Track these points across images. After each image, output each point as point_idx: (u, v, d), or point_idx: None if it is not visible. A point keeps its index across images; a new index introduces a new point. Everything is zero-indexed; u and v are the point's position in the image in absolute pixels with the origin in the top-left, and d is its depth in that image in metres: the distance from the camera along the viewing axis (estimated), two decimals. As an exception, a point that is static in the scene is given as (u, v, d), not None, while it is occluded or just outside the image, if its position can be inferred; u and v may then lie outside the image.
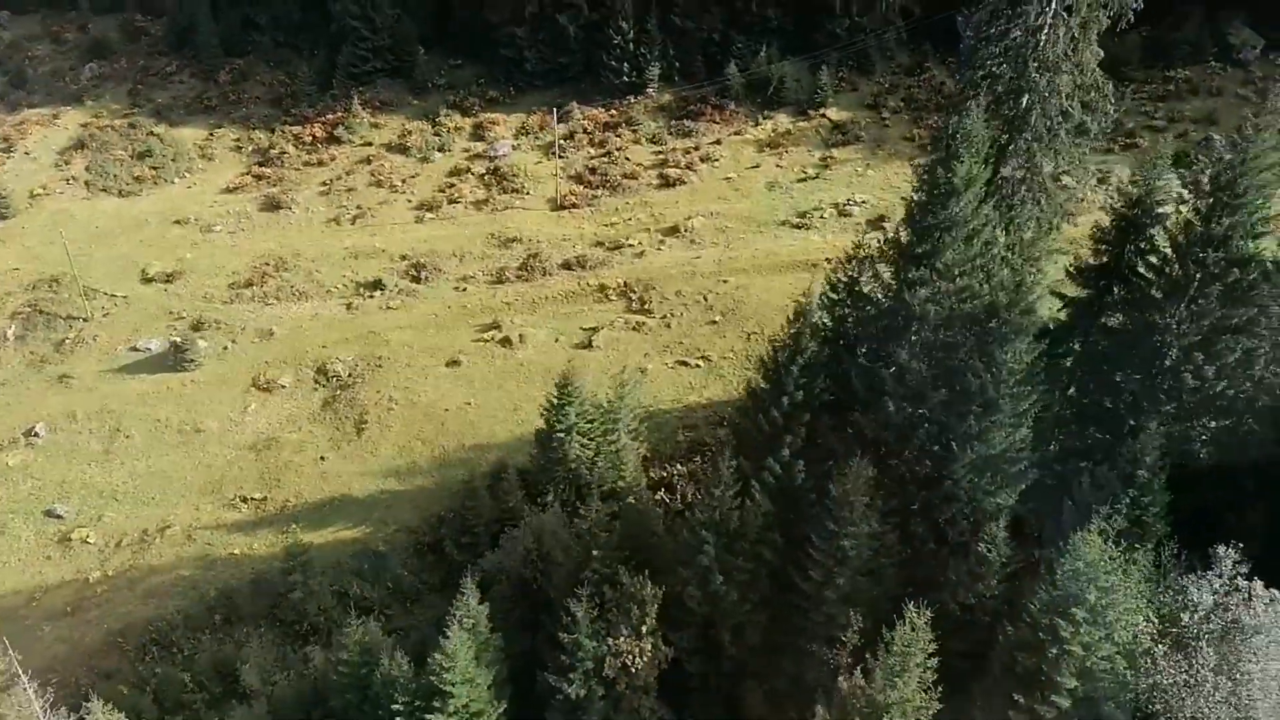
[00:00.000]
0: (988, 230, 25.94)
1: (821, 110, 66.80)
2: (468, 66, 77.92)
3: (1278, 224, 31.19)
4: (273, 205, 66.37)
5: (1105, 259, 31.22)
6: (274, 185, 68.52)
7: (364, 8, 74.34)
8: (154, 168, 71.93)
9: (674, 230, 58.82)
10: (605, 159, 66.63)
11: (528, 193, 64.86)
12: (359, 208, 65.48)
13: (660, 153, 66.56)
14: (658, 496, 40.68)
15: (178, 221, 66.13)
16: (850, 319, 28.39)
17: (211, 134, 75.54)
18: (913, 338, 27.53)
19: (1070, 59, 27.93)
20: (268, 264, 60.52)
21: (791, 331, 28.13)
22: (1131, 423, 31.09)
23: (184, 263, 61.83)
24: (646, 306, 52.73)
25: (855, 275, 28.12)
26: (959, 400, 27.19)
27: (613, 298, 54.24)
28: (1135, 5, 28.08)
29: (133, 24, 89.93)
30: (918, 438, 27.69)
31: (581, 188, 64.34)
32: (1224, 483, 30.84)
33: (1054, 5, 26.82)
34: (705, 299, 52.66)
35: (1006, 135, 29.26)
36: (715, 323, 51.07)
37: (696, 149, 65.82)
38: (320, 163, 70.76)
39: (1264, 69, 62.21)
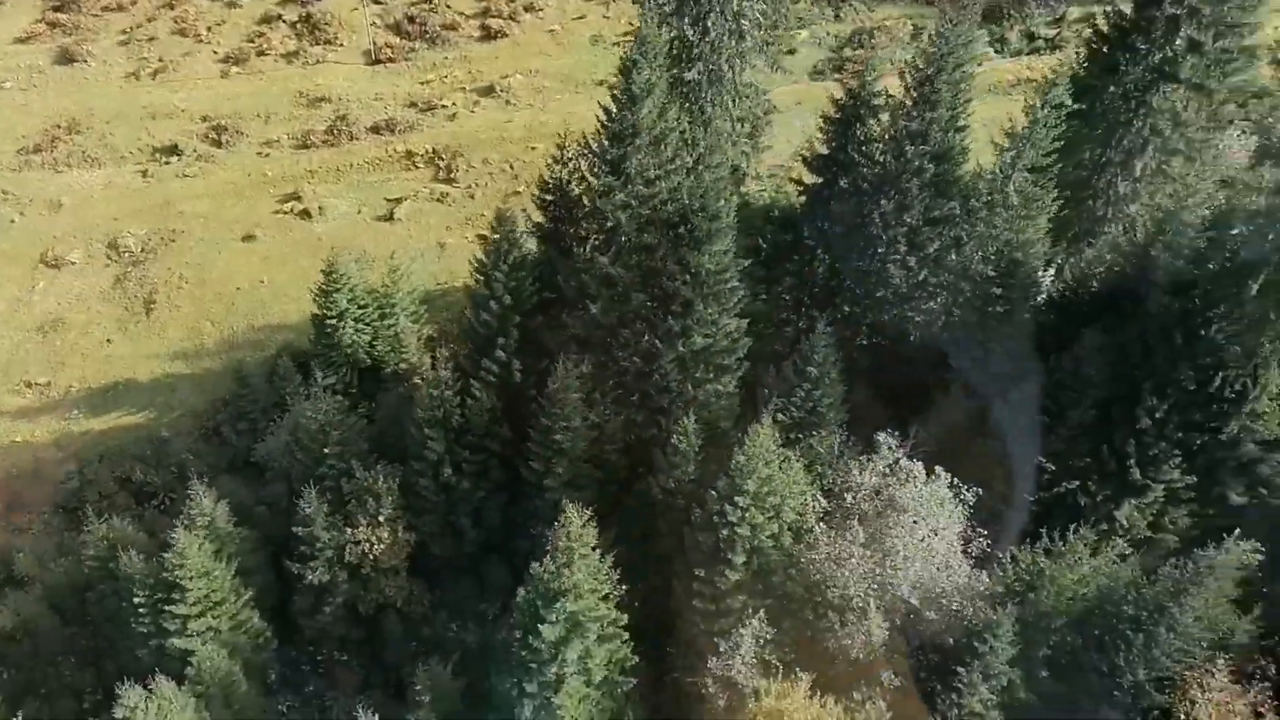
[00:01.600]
0: (674, 136, 25.93)
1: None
2: (282, -106, 71.25)
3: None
4: (67, 58, 61.52)
5: (830, 149, 31.71)
6: (70, 34, 63.22)
7: None
8: (-67, 12, 65.39)
9: (490, 90, 56.79)
10: (426, 6, 62.96)
11: (341, 44, 61.34)
12: (160, 60, 61.15)
13: (484, 0, 63.09)
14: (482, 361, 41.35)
15: (-39, 77, 61.03)
16: (562, 220, 28.50)
17: (-3, -28, 68.46)
18: (622, 239, 27.91)
19: None
20: (59, 126, 56.80)
21: (496, 236, 28.18)
22: (846, 309, 32.70)
23: (-32, 124, 57.61)
24: (452, 176, 51.62)
25: (562, 177, 28.01)
26: (660, 301, 28.01)
27: (420, 165, 52.84)
28: None
29: None
30: (623, 336, 28.60)
31: (400, 39, 61.04)
32: (937, 363, 32.92)
33: None
34: (512, 167, 51.74)
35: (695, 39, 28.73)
36: (520, 194, 50.35)
37: (522, -5, 62.56)
38: (120, 7, 65.24)
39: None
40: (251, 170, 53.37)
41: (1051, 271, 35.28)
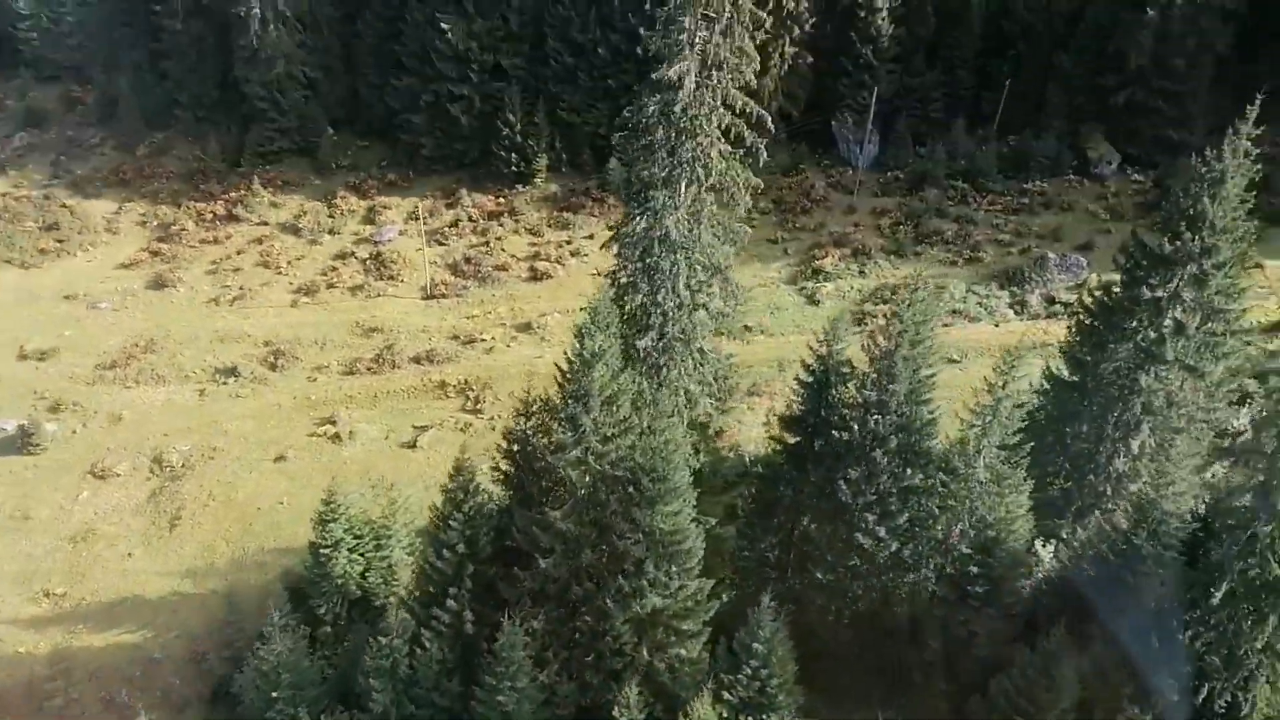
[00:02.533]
0: (626, 397, 26.63)
1: (695, 207, 67.92)
2: (374, 148, 79.95)
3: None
4: (159, 283, 67.92)
5: (803, 411, 31.88)
6: (167, 262, 70.13)
7: (270, 89, 76.49)
8: (59, 240, 73.75)
9: (527, 326, 59.89)
10: (484, 248, 67.98)
11: (402, 280, 66.19)
12: (241, 288, 66.85)
13: (536, 244, 67.84)
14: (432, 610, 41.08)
15: (68, 296, 67.69)
16: (524, 469, 29.02)
17: (121, 207, 77.38)
18: (580, 493, 28.08)
19: (696, 243, 28.80)
20: (137, 344, 61.77)
21: (453, 486, 28.78)
22: (820, 576, 31.56)
23: (63, 339, 63.18)
24: (479, 406, 53.56)
25: (525, 430, 28.81)
26: (612, 560, 27.68)
27: (451, 395, 55.13)
28: (747, 202, 29.06)
29: (69, 94, 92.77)
30: (575, 594, 28.11)
31: (455, 278, 65.60)
32: (913, 638, 31.07)
33: (659, 198, 27.81)
34: (535, 401, 53.33)
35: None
36: (538, 427, 51.67)
37: (570, 242, 67.06)
38: (216, 240, 72.41)
39: (1119, 184, 62.88)
40: (298, 394, 56.51)
41: (1051, 548, 33.69)
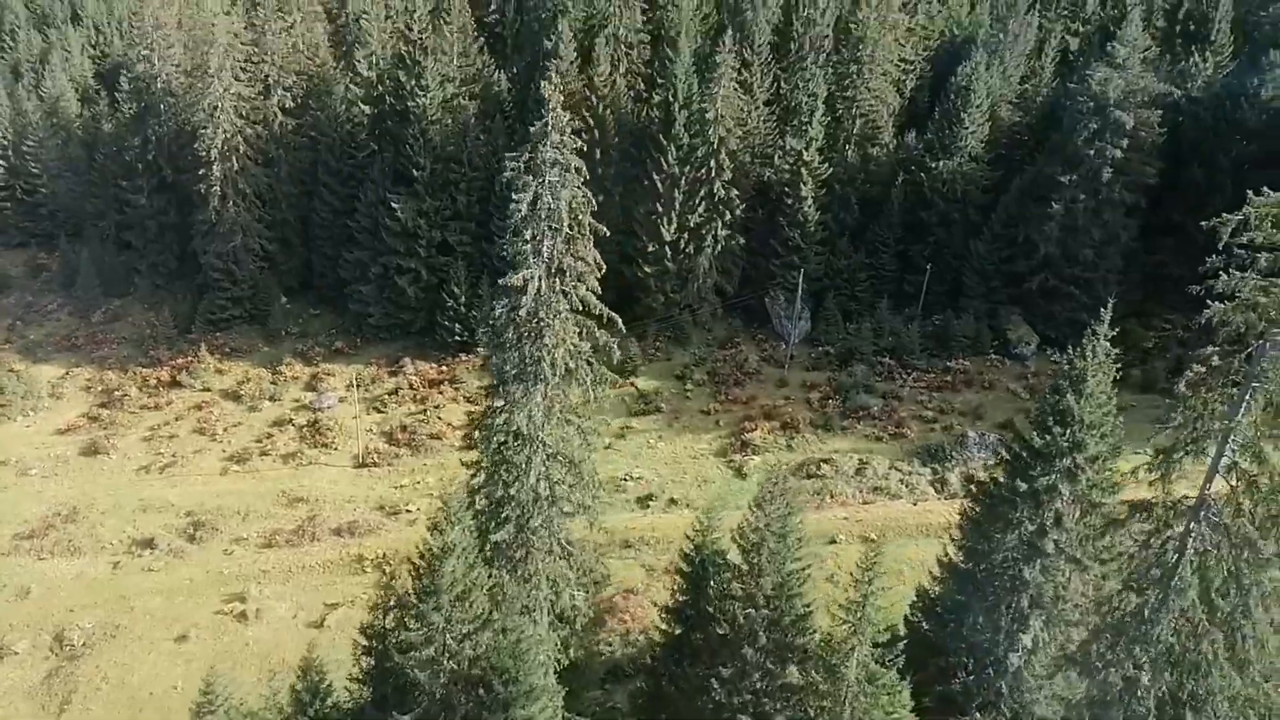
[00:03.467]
0: (481, 592, 26.15)
1: (631, 378, 68.94)
2: (325, 316, 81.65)
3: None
4: (93, 450, 67.40)
5: (683, 601, 31.33)
6: (105, 428, 69.85)
7: (226, 260, 78.68)
8: (1, 405, 73.55)
9: (455, 498, 59.28)
10: (421, 416, 68.26)
11: (335, 448, 66.06)
12: (174, 456, 66.41)
13: (474, 413, 67.91)
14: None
15: (1, 462, 66.94)
16: (379, 670, 28.07)
17: (68, 372, 77.81)
18: (436, 695, 27.06)
19: (547, 435, 29.21)
20: (59, 514, 60.67)
21: (299, 686, 27.74)
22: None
23: (-15, 508, 62.02)
24: (394, 582, 52.14)
25: (382, 625, 28.06)
26: (464, 767, 26.41)
27: (368, 569, 53.94)
28: (602, 395, 29.77)
29: (35, 261, 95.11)
30: (426, 806, 26.62)
31: (388, 445, 65.53)
32: None
33: (514, 392, 28.46)
34: (453, 578, 52.21)
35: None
36: (453, 605, 50.37)
37: (507, 412, 67.43)
38: (156, 407, 72.48)
39: (1039, 364, 64.57)
40: (212, 568, 55.17)
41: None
